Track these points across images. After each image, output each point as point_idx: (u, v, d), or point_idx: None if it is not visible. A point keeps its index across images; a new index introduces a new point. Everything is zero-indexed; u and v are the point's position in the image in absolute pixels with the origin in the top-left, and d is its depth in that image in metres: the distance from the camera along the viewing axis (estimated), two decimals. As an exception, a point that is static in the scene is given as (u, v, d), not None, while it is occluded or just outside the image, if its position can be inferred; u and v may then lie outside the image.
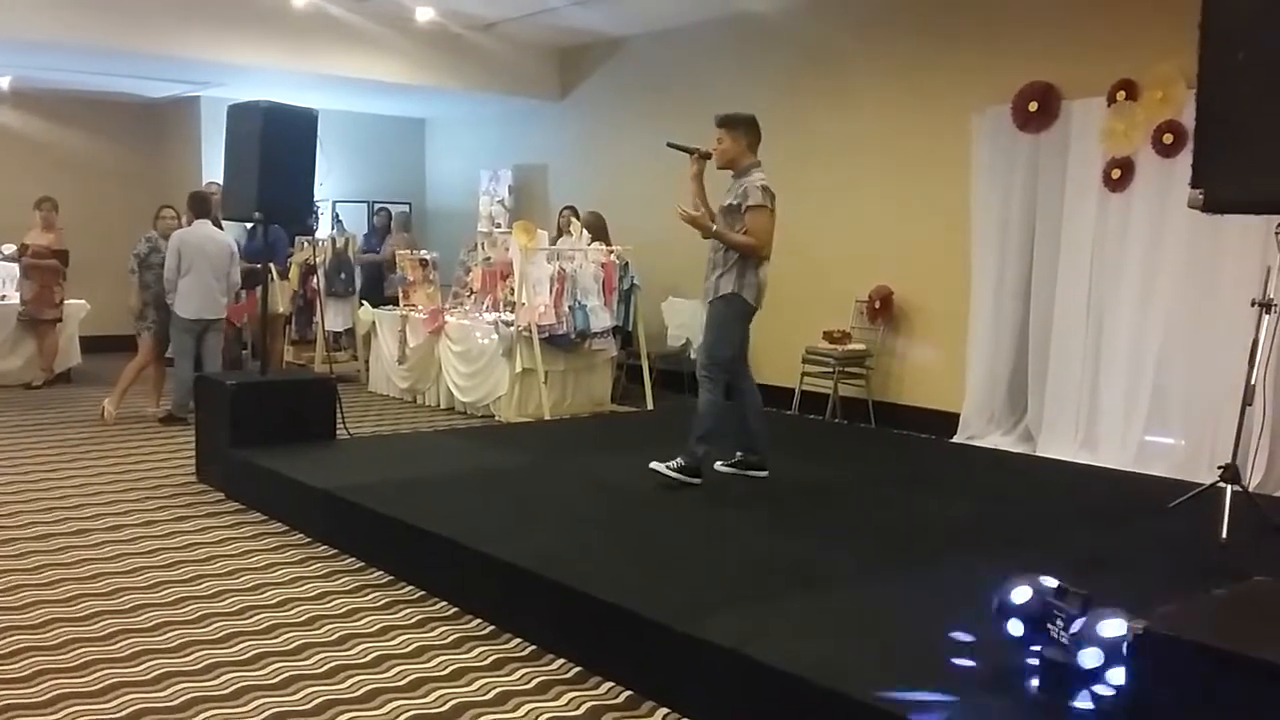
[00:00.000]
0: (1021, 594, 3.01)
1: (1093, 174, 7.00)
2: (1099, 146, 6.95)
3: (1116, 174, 6.86)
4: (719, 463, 5.74)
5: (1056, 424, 7.19)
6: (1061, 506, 5.47)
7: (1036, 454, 7.09)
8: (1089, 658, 2.77)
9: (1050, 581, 3.03)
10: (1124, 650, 2.65)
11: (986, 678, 3.07)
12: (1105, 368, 6.99)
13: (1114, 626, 2.75)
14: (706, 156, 5.56)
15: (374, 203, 12.37)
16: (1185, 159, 4.85)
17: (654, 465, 5.48)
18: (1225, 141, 4.14)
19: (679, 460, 5.46)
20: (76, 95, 11.84)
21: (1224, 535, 4.51)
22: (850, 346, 8.30)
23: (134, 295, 8.28)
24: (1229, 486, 4.71)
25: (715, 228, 5.37)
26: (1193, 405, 6.52)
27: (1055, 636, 2.85)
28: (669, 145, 5.68)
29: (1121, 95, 6.82)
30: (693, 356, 9.47)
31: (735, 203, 5.36)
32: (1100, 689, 2.78)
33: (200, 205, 8.05)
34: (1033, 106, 7.26)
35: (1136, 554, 4.54)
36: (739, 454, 5.73)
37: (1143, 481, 6.11)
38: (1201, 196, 4.24)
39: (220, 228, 8.19)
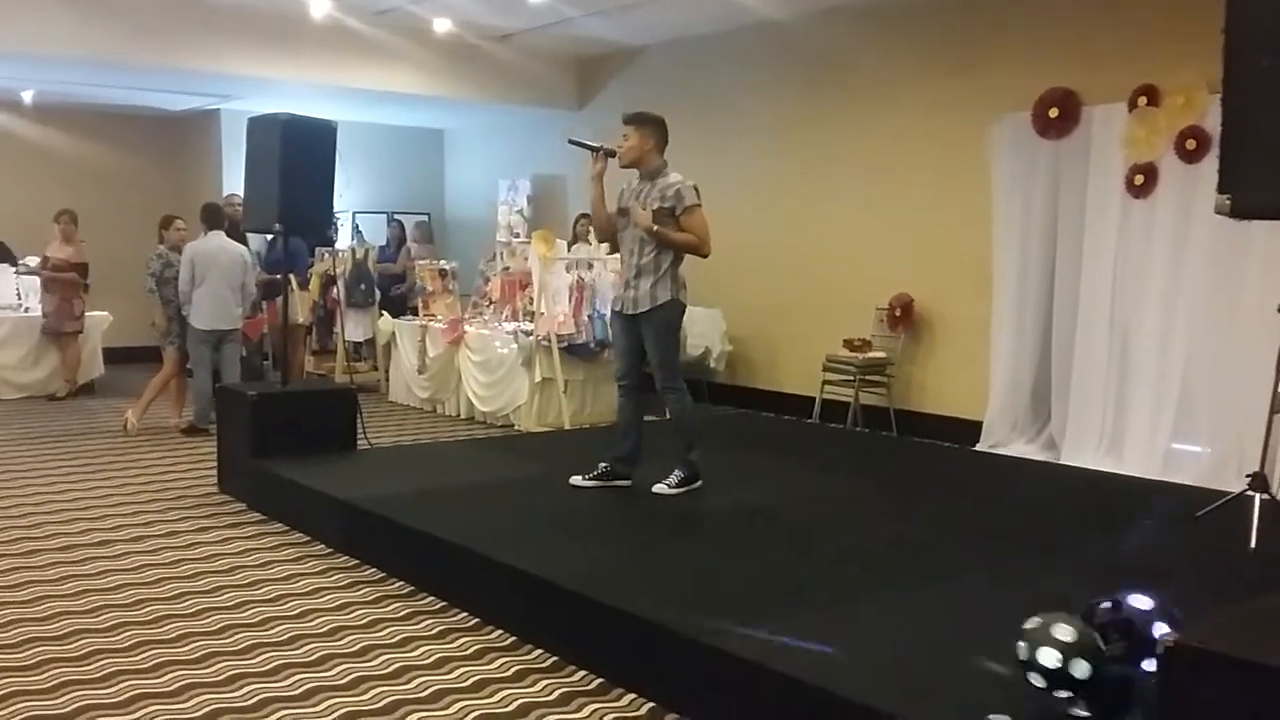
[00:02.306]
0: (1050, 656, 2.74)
1: (1115, 180, 6.94)
2: (1121, 152, 6.90)
3: (1139, 180, 6.81)
4: (576, 477, 5.59)
5: (1081, 432, 7.13)
6: (1086, 515, 5.41)
7: (1060, 462, 7.04)
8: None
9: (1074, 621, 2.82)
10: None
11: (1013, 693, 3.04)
12: (1130, 375, 6.93)
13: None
14: (611, 154, 5.51)
15: (393, 214, 12.42)
16: (1208, 165, 4.83)
17: (657, 488, 5.44)
18: (1252, 147, 4.09)
19: (677, 474, 5.46)
20: (97, 109, 11.96)
21: (1253, 544, 4.46)
22: (871, 354, 8.27)
23: (158, 313, 8.29)
24: (1257, 495, 4.66)
25: (657, 228, 5.26)
26: (1219, 412, 6.45)
27: (1111, 654, 2.76)
28: (570, 142, 5.63)
29: (1143, 101, 6.77)
30: (712, 365, 9.51)
31: (668, 205, 5.32)
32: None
33: (213, 217, 8.08)
34: (1053, 113, 7.22)
35: (1164, 564, 4.48)
36: (604, 465, 5.58)
37: (1169, 490, 6.04)
38: (1229, 202, 4.19)
39: (243, 240, 8.24)
